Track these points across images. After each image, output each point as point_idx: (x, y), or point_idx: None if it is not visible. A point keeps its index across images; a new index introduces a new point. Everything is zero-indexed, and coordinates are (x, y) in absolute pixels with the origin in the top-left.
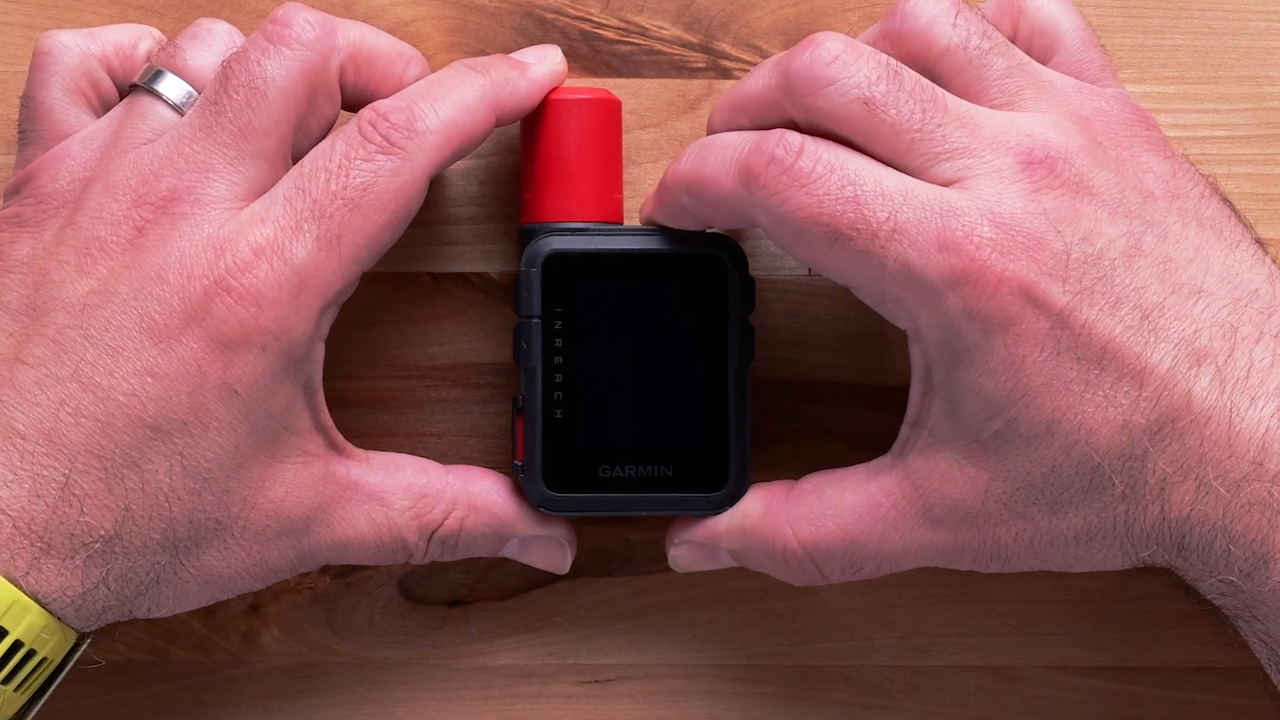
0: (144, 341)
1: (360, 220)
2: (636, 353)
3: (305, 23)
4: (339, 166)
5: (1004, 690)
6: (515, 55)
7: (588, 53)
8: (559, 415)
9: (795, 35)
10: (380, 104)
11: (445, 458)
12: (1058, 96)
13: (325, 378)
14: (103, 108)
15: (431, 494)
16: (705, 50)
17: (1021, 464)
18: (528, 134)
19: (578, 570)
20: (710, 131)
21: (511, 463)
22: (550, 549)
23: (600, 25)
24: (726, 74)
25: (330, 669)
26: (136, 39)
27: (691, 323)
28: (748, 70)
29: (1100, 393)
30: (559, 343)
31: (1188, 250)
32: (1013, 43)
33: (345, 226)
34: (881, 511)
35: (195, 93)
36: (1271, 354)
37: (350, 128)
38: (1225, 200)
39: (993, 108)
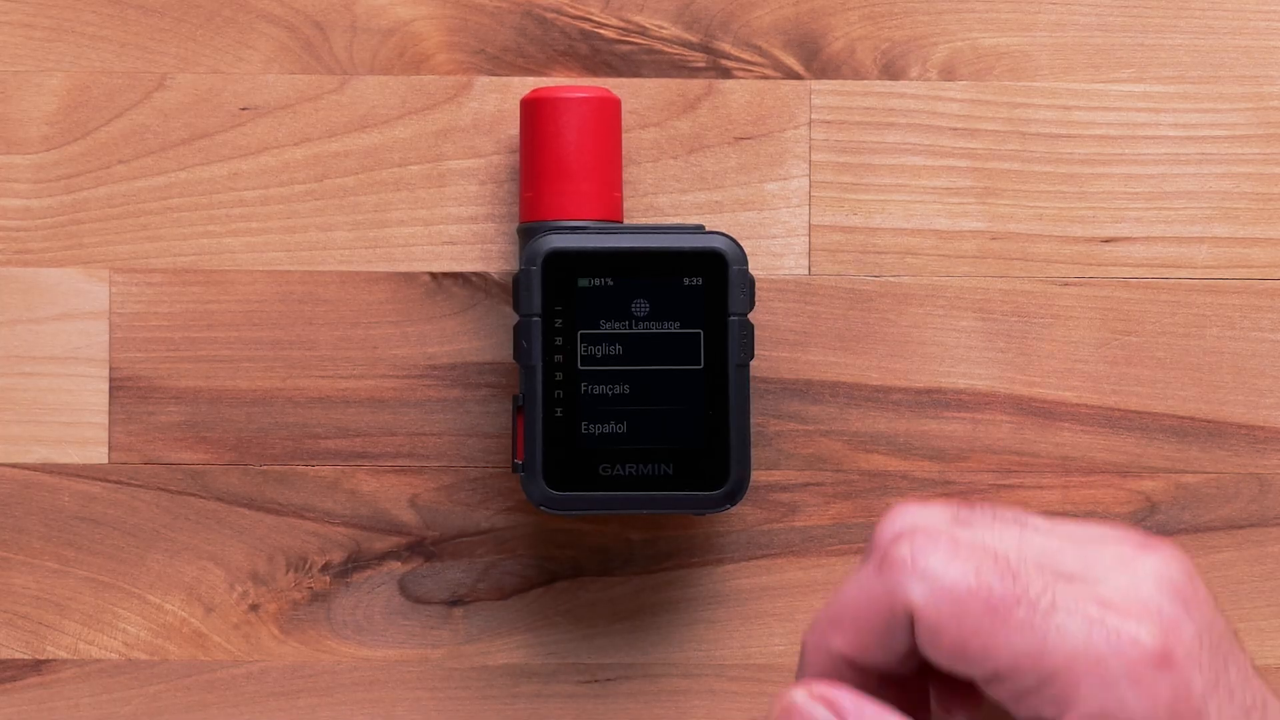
0: None
1: None
2: (636, 351)
3: None
4: None
5: None
6: None
7: (588, 52)
8: (559, 414)
9: (795, 35)
10: None
11: (445, 457)
12: (1090, 522)
13: (325, 377)
14: None
15: None
16: (705, 50)
17: None
18: (527, 133)
19: (577, 569)
20: (804, 651)
21: (512, 462)
22: None
23: (600, 25)
24: (726, 73)
25: (330, 669)
26: None
27: (691, 321)
28: (748, 70)
29: None
30: (559, 341)
31: (1244, 664)
32: None
33: None
34: None
35: None
36: None
37: None
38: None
39: None
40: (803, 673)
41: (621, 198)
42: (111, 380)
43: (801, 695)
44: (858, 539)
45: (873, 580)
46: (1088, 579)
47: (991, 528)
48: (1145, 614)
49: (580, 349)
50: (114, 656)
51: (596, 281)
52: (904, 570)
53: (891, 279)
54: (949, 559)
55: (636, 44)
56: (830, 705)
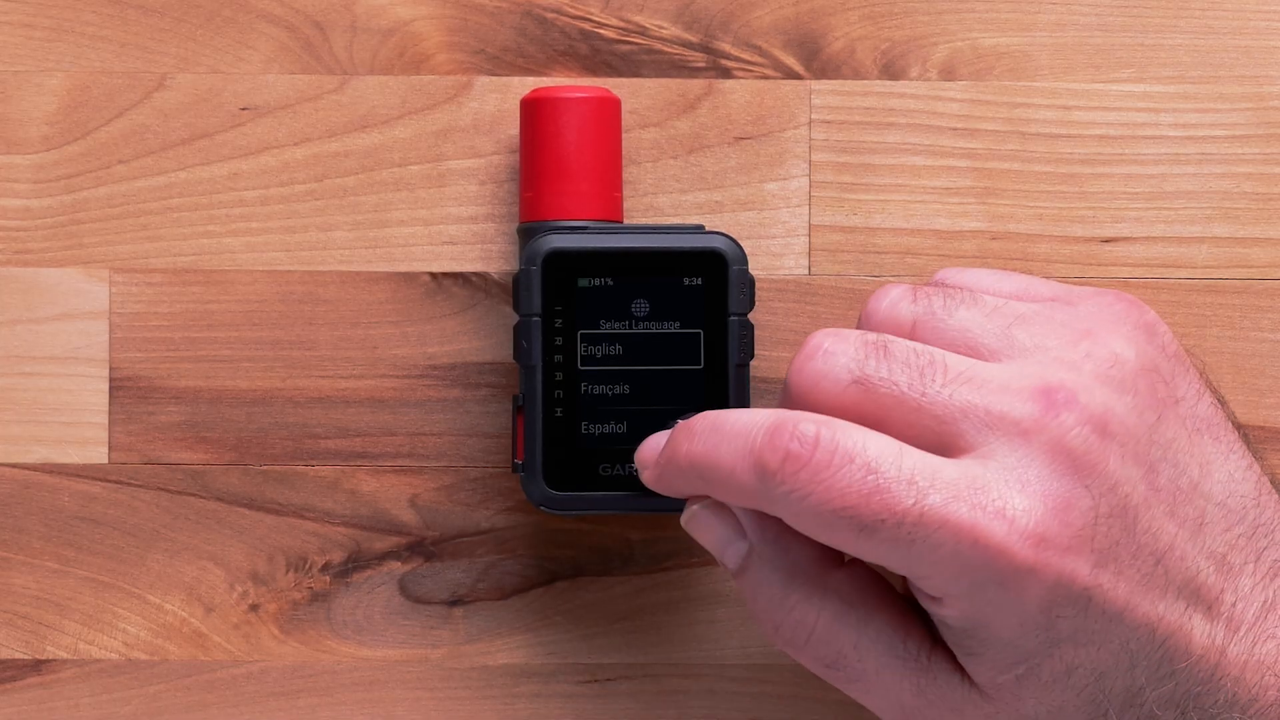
0: None
1: None
2: (636, 351)
3: None
4: None
5: None
6: None
7: (588, 52)
8: (559, 414)
9: (795, 35)
10: None
11: (445, 458)
12: (1046, 321)
13: (325, 377)
14: None
15: None
16: (705, 50)
17: (1032, 705)
18: (527, 133)
19: (577, 570)
20: (676, 465)
21: (512, 461)
22: None
23: (600, 25)
24: (726, 73)
25: (330, 669)
26: None
27: (691, 321)
28: (748, 70)
29: (1116, 642)
30: (559, 341)
31: (1194, 471)
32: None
33: None
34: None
35: None
36: (1251, 582)
37: None
38: (1210, 385)
39: (992, 359)
40: (671, 475)
41: (621, 198)
42: (111, 380)
43: (706, 506)
44: None
45: (748, 478)
46: (978, 453)
47: (896, 378)
48: (1024, 510)
49: (580, 349)
50: (114, 656)
51: (596, 281)
52: (774, 485)
53: (891, 279)
54: (818, 479)
55: (636, 44)
56: (730, 517)
